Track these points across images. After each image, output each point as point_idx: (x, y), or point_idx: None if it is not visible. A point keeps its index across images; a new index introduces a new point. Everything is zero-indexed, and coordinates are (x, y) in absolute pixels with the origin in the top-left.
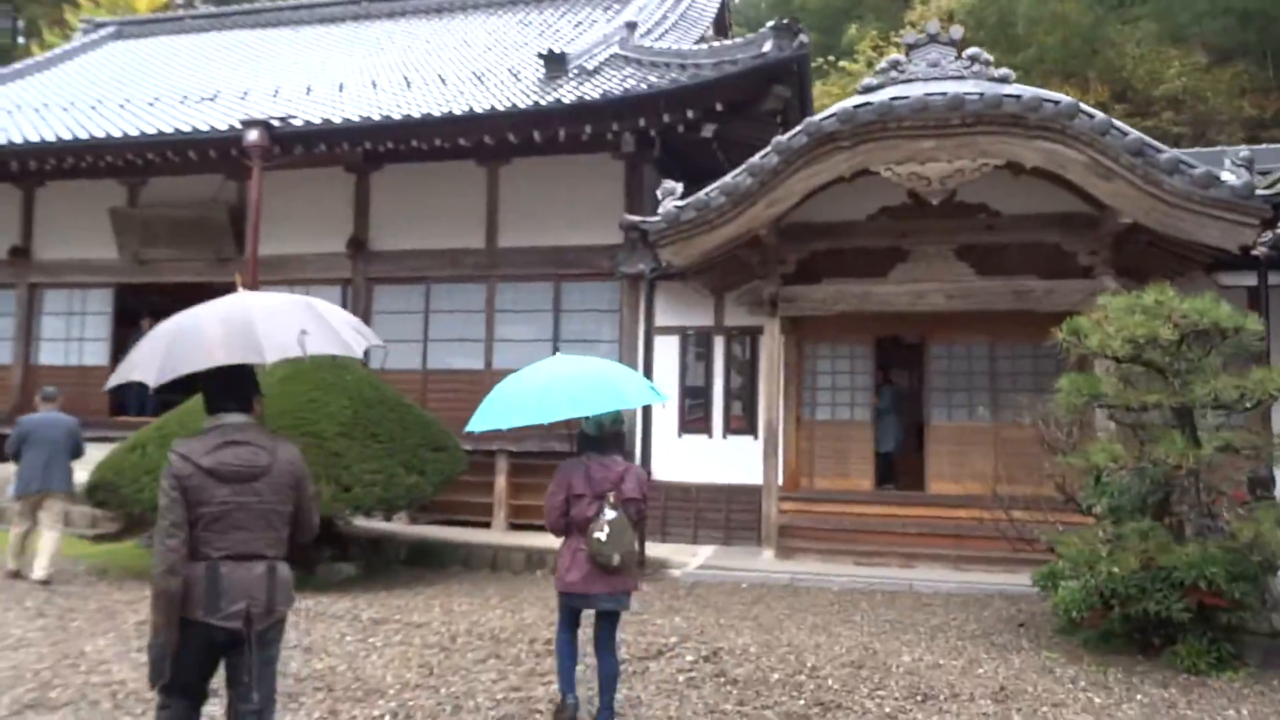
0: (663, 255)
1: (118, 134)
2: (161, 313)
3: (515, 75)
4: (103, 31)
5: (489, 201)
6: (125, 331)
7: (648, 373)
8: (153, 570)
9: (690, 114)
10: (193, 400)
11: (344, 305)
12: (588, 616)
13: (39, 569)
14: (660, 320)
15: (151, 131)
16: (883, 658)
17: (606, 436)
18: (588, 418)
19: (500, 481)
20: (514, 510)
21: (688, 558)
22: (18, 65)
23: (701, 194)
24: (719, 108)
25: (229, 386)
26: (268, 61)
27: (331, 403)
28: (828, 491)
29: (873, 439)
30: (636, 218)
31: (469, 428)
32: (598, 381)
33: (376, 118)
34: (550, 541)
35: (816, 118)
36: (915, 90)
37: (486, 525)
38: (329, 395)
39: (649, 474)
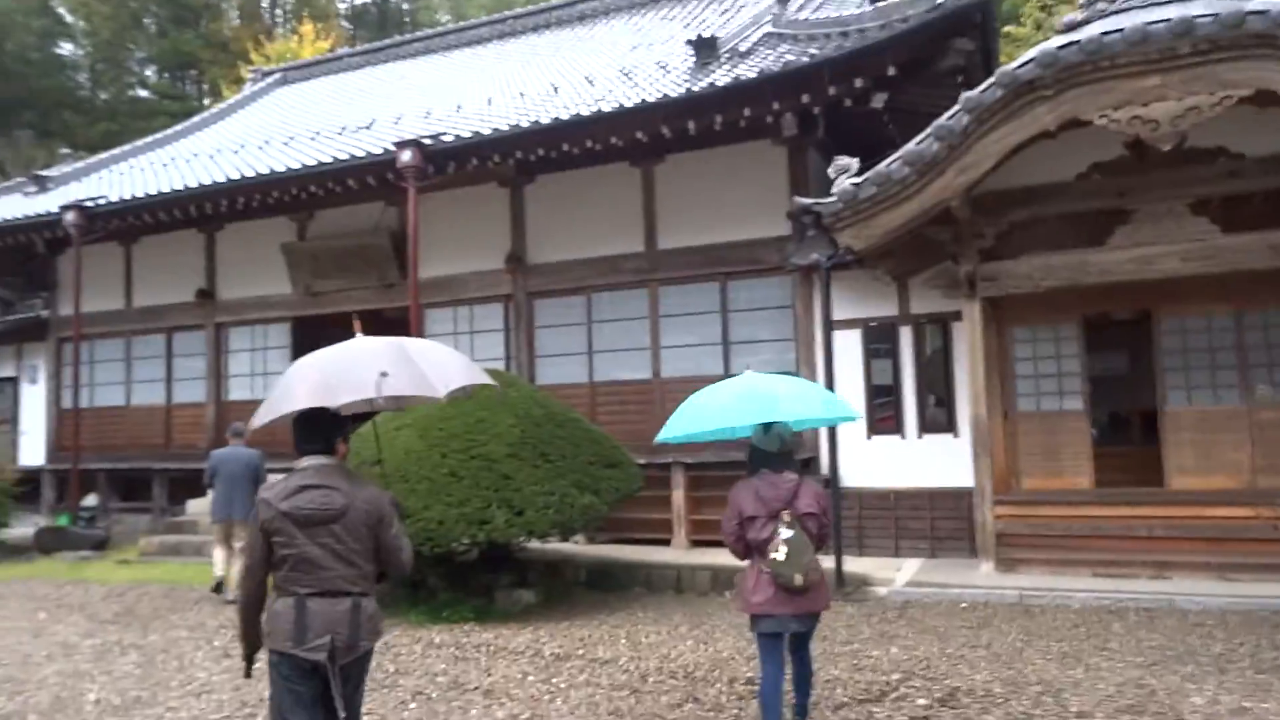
0: (841, 239)
1: (281, 169)
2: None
3: (664, 68)
4: (269, 80)
5: (645, 203)
6: None
7: (828, 371)
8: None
9: (858, 83)
10: (366, 427)
11: (505, 322)
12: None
13: (230, 591)
14: (838, 313)
15: (311, 163)
16: (1165, 698)
17: (780, 451)
18: (763, 432)
19: (678, 496)
20: (694, 526)
21: (892, 573)
22: (194, 119)
23: (881, 166)
24: (891, 72)
25: (310, 430)
26: (419, 88)
27: (499, 422)
28: (1046, 492)
29: (1088, 430)
30: (808, 200)
31: (660, 437)
32: (794, 392)
33: (525, 125)
34: (738, 561)
35: (1011, 66)
36: (1128, 21)
37: (666, 543)
38: (496, 414)
39: (836, 481)
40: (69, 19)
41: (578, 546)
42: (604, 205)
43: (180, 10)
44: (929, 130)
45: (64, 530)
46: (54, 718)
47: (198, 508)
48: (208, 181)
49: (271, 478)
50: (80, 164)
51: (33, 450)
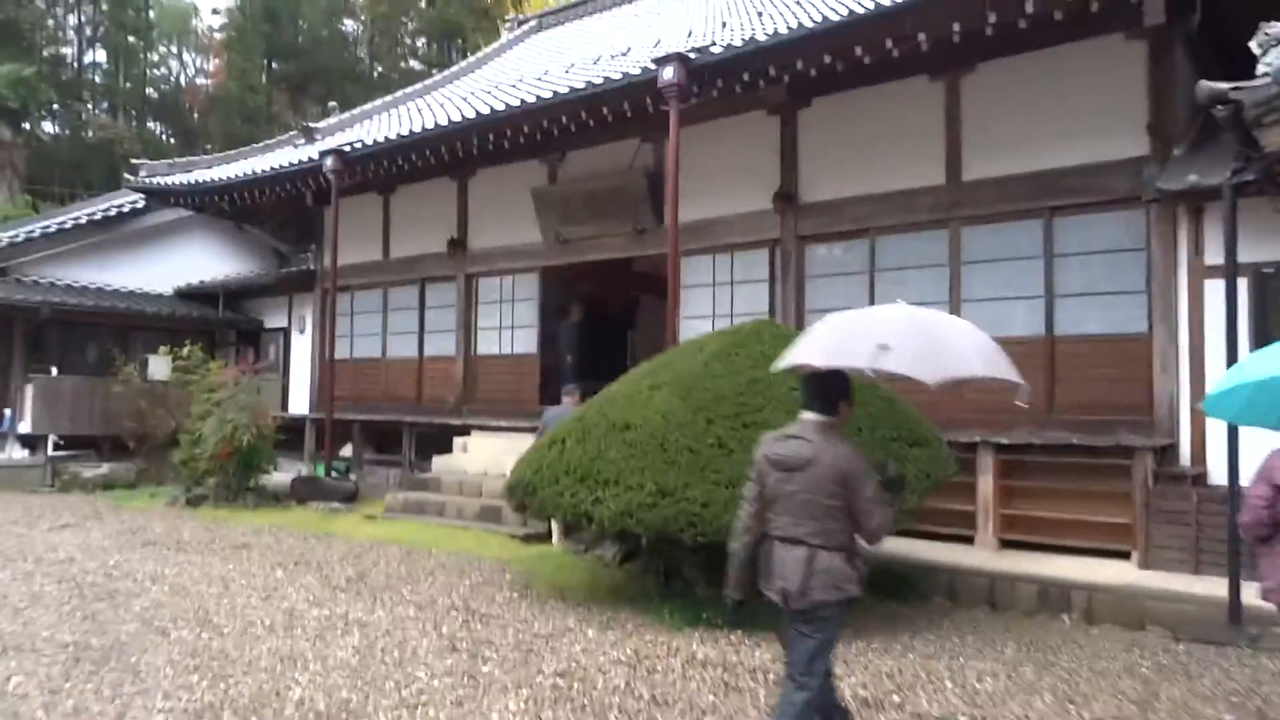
0: (1269, 139)
1: (532, 100)
2: (591, 300)
3: None
4: (524, 27)
5: (948, 125)
6: (551, 319)
7: (1197, 329)
8: None
9: None
10: (616, 386)
11: (771, 271)
12: None
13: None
14: (1210, 257)
15: (564, 90)
16: None
17: None
18: None
19: (985, 484)
20: (1004, 522)
21: None
22: (451, 70)
23: None
24: None
25: (812, 387)
26: (680, 14)
27: (778, 384)
28: None
29: None
30: (1225, 85)
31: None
32: None
33: (810, 25)
34: (1071, 571)
35: None
36: None
37: (966, 540)
38: (775, 375)
39: (1234, 479)
40: None
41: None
42: (894, 131)
43: None
44: None
45: (318, 481)
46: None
47: (442, 465)
48: (458, 119)
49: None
50: (345, 115)
51: (299, 398)
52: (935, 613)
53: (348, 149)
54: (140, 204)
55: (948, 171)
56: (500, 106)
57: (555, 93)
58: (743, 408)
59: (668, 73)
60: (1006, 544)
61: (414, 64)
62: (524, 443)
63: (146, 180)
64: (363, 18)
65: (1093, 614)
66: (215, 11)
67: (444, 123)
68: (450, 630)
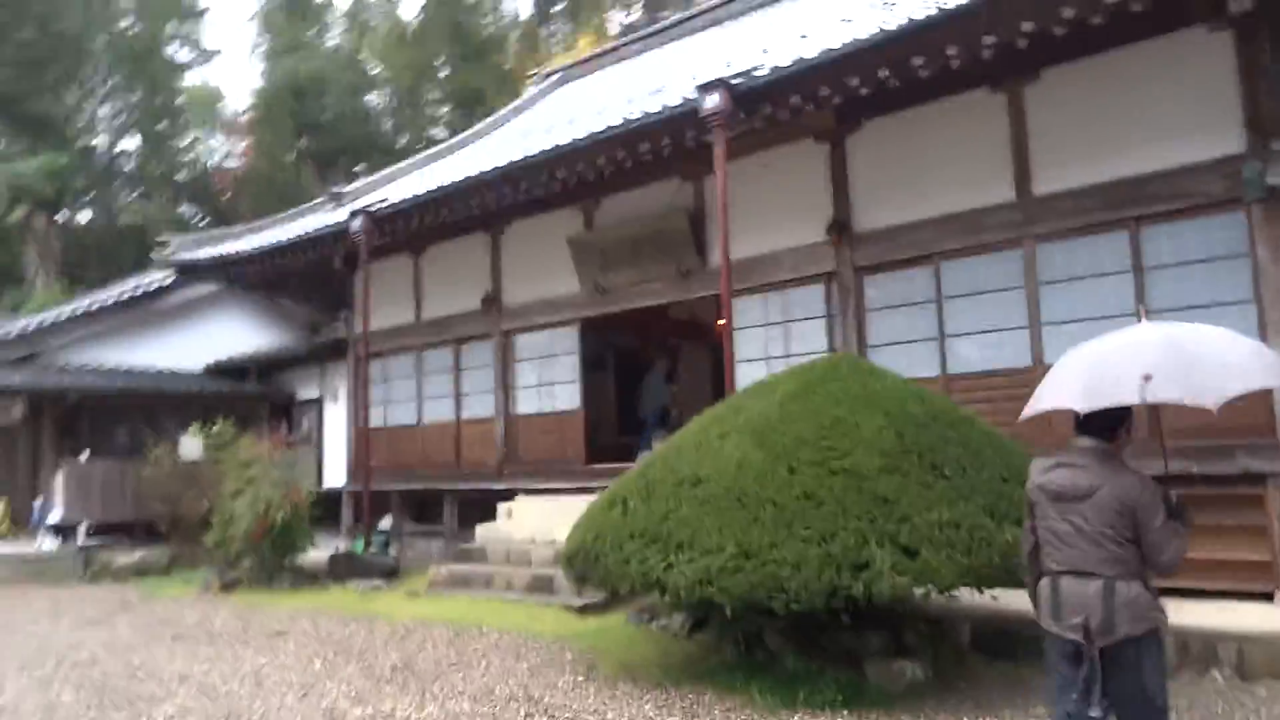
0: None
1: (566, 142)
2: (625, 353)
3: None
4: (550, 80)
5: (1014, 138)
6: (593, 373)
7: None
8: None
9: None
10: (680, 437)
11: (828, 307)
12: None
13: None
14: None
15: (599, 130)
16: None
17: None
18: None
19: None
20: None
21: None
22: (478, 126)
23: None
24: None
25: (1092, 414)
26: (716, 49)
27: (864, 424)
28: None
29: None
30: None
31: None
32: None
33: (864, 38)
34: (1209, 618)
35: None
36: None
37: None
38: (859, 413)
39: None
40: (373, 71)
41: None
42: (954, 149)
43: (467, 49)
44: None
45: (356, 557)
46: None
47: (487, 533)
48: (489, 168)
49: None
50: (373, 178)
51: (335, 470)
52: None
53: (375, 208)
54: (169, 281)
55: (1017, 187)
56: (532, 152)
57: (590, 133)
58: (829, 452)
59: (711, 100)
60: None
61: (437, 131)
62: (572, 505)
63: (175, 255)
64: (386, 89)
65: (1246, 668)
66: (241, 94)
67: (473, 174)
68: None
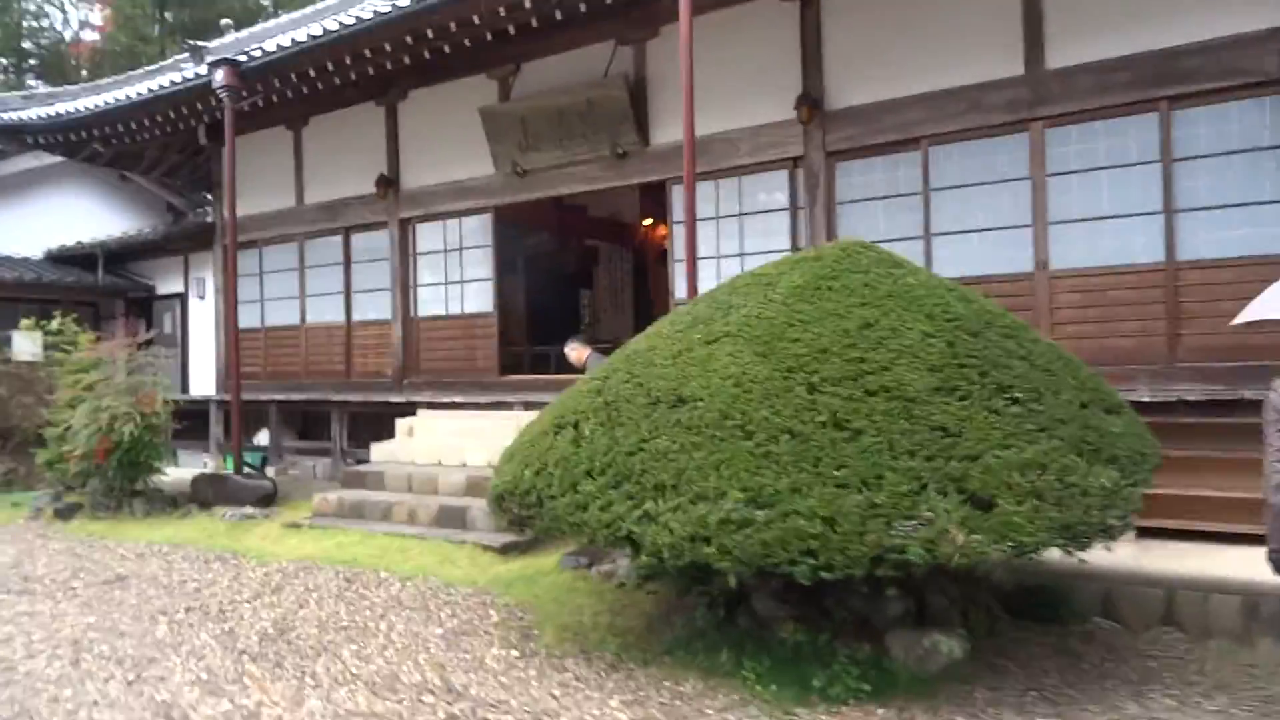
0: None
1: None
2: (538, 255)
3: None
4: None
5: (1026, 2)
6: (508, 270)
7: None
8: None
9: None
10: (646, 341)
11: (792, 198)
12: None
13: None
14: None
15: None
16: None
17: None
18: None
19: None
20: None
21: None
22: None
23: None
24: None
25: None
26: None
27: (904, 328)
28: None
29: None
30: None
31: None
32: None
33: None
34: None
35: None
36: None
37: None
38: (893, 315)
39: None
40: None
41: None
42: (950, 10)
43: None
44: None
45: (225, 479)
46: None
47: (385, 454)
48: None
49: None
50: (242, 34)
51: (204, 377)
52: (1114, 645)
53: (243, 58)
54: None
55: (1026, 59)
56: None
57: None
58: (860, 366)
59: None
60: (1145, 533)
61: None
62: (485, 423)
63: None
64: None
65: None
66: None
67: (364, 17)
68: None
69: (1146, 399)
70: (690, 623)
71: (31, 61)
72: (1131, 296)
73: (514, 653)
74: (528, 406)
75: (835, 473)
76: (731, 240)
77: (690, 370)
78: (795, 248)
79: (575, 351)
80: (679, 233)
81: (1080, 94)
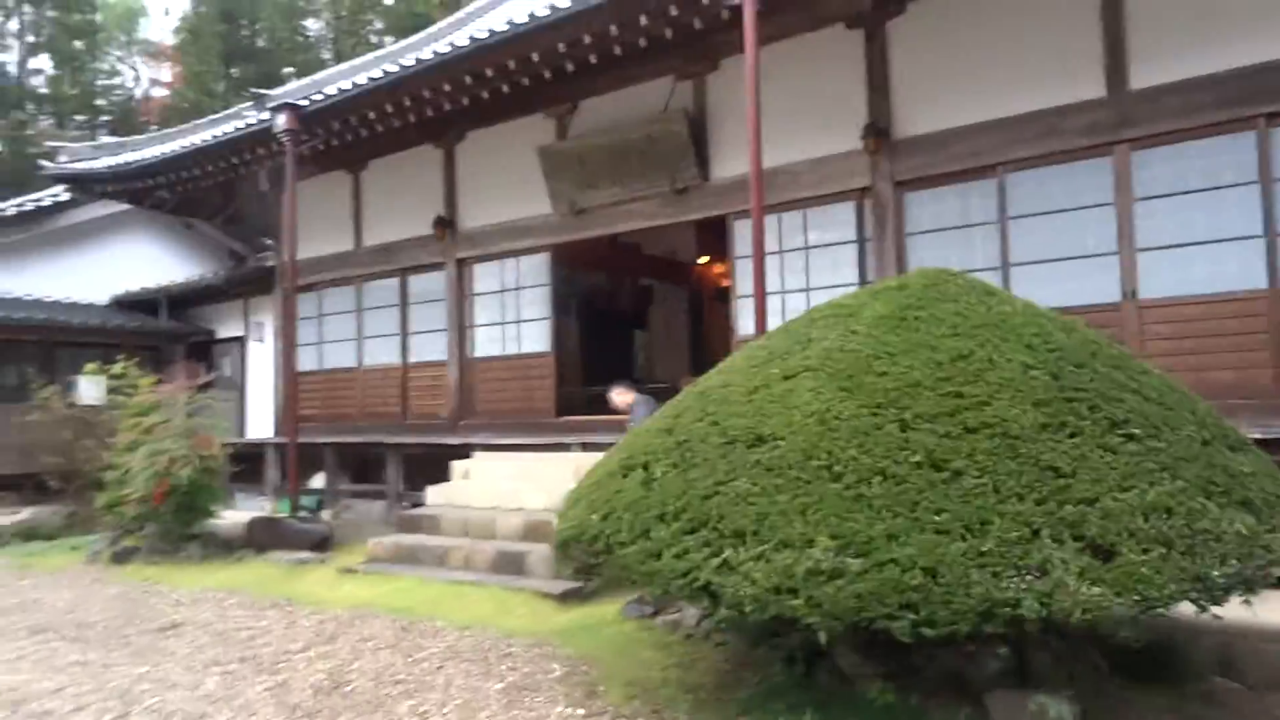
0: None
1: (544, 15)
2: (592, 294)
3: None
4: None
5: (1105, 16)
6: (563, 311)
7: None
8: None
9: None
10: (718, 377)
11: (859, 230)
12: None
13: None
14: None
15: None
16: None
17: None
18: None
19: None
20: None
21: None
22: (428, 30)
23: None
24: None
25: None
26: None
27: (1001, 361)
28: None
29: None
30: None
31: None
32: None
33: None
34: None
35: None
36: None
37: None
38: (990, 346)
39: None
40: None
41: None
42: (1025, 32)
43: None
44: None
45: (280, 523)
46: None
47: (440, 497)
48: (444, 51)
49: None
50: (304, 81)
51: (261, 420)
52: (1238, 707)
53: (304, 102)
54: (64, 198)
55: (1108, 80)
56: (499, 29)
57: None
58: (956, 401)
59: None
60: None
61: (388, 51)
62: (542, 464)
63: (67, 166)
64: (324, 16)
65: None
66: (167, 13)
67: (424, 58)
68: None
69: (1257, 435)
70: (767, 679)
71: (104, 118)
72: (1230, 326)
73: (580, 711)
74: (586, 448)
75: (935, 518)
76: (796, 275)
77: (769, 407)
78: (864, 281)
79: (621, 396)
80: (742, 268)
81: (1168, 114)
